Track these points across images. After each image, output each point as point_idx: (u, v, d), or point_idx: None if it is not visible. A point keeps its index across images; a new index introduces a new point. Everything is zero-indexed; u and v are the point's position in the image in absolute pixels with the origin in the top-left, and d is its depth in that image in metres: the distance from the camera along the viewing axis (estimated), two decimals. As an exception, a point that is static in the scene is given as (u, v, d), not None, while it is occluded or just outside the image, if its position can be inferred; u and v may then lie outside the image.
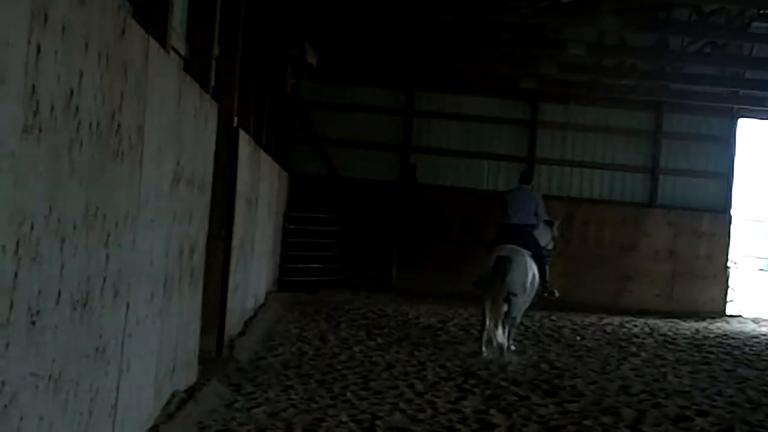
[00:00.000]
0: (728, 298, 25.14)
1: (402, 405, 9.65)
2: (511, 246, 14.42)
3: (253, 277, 15.09)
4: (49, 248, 4.40)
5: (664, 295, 24.58)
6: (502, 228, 15.28)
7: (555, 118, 24.88)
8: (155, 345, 7.28)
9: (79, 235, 4.83)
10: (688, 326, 20.87)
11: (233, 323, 12.54)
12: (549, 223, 15.95)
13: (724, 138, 25.16)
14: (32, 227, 4.13)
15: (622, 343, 16.51)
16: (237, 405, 8.96)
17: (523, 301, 14.38)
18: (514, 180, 24.06)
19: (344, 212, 23.25)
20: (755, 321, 23.42)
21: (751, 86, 23.15)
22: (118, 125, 5.50)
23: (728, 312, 24.65)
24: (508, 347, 14.10)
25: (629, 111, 24.94)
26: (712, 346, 17.14)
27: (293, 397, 9.63)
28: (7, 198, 3.81)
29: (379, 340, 14.55)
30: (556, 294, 15.59)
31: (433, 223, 23.88)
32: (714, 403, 11.06)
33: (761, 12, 17.00)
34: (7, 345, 3.94)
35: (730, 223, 25.02)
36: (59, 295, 4.58)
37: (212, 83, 10.80)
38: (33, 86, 4.01)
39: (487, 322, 13.82)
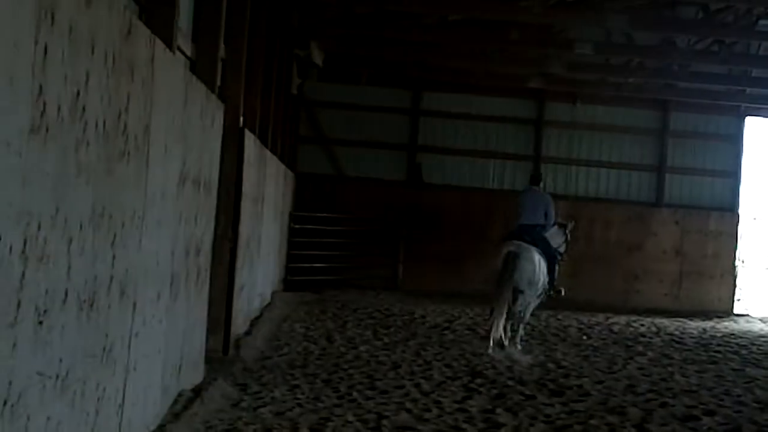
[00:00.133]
0: (736, 298, 25.09)
1: (408, 404, 9.64)
2: (519, 242, 14.58)
3: (259, 276, 15.11)
4: (56, 248, 4.41)
5: (672, 294, 24.56)
6: (513, 228, 15.44)
7: (562, 116, 24.87)
8: (162, 344, 7.30)
9: (85, 235, 4.85)
10: (695, 325, 20.84)
11: (239, 323, 12.56)
12: (562, 226, 16.07)
13: (732, 136, 25.12)
14: (39, 227, 4.15)
15: (629, 343, 16.49)
16: (243, 404, 8.97)
17: (528, 297, 14.45)
18: (521, 179, 24.29)
19: (350, 212, 23.25)
20: (763, 320, 23.37)
21: (758, 84, 23.10)
22: (125, 126, 5.51)
23: (736, 311, 24.61)
24: (515, 345, 14.24)
25: (636, 109, 24.93)
26: (719, 345, 17.11)
27: (299, 396, 9.63)
28: (14, 198, 3.82)
29: (386, 340, 14.55)
30: (563, 292, 15.61)
31: (440, 222, 23.87)
32: (721, 403, 11.04)
33: (768, 10, 16.97)
34: (15, 344, 3.96)
35: (737, 222, 24.97)
36: (66, 294, 4.60)
37: (218, 83, 10.81)
38: (40, 87, 4.03)
39: (497, 320, 13.92)
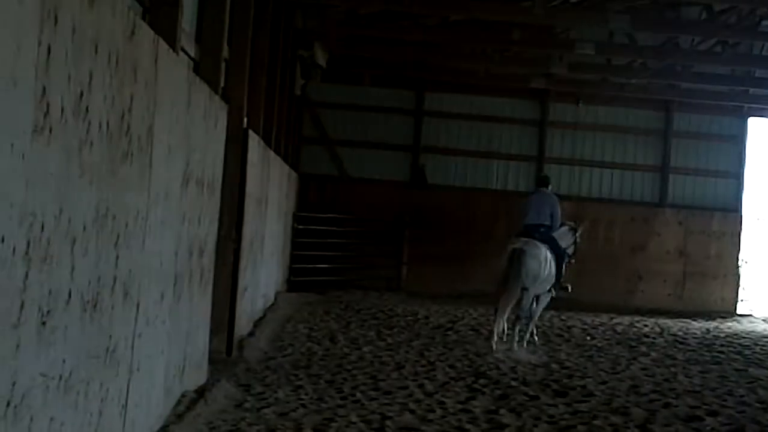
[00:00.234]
0: (739, 298, 25.08)
1: (412, 405, 9.64)
2: (526, 239, 14.80)
3: (262, 277, 15.11)
4: (60, 249, 4.41)
5: (675, 294, 24.56)
6: (519, 228, 15.64)
7: (565, 117, 24.87)
8: (165, 345, 7.30)
9: (89, 236, 4.85)
10: (698, 326, 20.83)
11: (243, 323, 12.56)
12: (572, 229, 16.25)
13: (735, 137, 25.12)
14: (43, 228, 4.15)
15: (633, 343, 16.48)
16: (247, 405, 8.97)
17: (534, 293, 14.62)
18: (524, 180, 24.37)
19: (354, 213, 23.26)
20: (766, 320, 23.37)
21: (761, 85, 23.10)
22: (128, 126, 5.52)
23: (739, 311, 24.60)
24: (522, 344, 14.40)
25: (639, 110, 24.93)
26: (722, 345, 17.09)
27: (303, 397, 9.63)
28: (17, 199, 3.82)
29: (389, 340, 14.55)
30: (569, 289, 15.79)
31: (443, 223, 23.86)
32: (724, 403, 11.03)
33: (771, 11, 16.97)
34: (18, 345, 3.96)
35: (740, 222, 24.97)
36: (70, 295, 4.61)
37: (222, 84, 10.82)
38: (43, 87, 4.03)
39: (500, 315, 14.17)
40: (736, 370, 14.02)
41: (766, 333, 20.13)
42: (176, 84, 7.02)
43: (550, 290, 15.20)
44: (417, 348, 13.91)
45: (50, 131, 4.15)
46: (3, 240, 3.69)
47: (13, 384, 3.94)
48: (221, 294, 10.85)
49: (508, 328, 14.59)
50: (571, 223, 16.37)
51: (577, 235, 16.22)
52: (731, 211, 24.97)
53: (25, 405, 4.10)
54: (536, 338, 15.35)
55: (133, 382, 6.17)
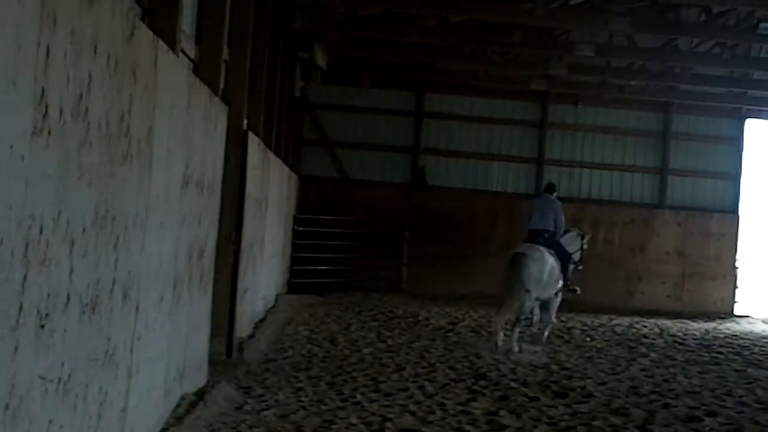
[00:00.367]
0: (737, 299, 25.11)
1: (412, 407, 9.64)
2: (528, 244, 15.14)
3: (262, 279, 15.11)
4: (58, 251, 4.41)
5: (674, 295, 24.58)
6: (524, 233, 16.06)
7: (564, 119, 24.90)
8: (164, 348, 7.29)
9: (88, 238, 4.84)
10: (697, 326, 20.84)
11: (243, 325, 12.55)
12: (580, 235, 16.51)
13: (733, 138, 25.16)
14: (41, 230, 4.14)
15: (632, 344, 16.49)
16: (247, 407, 8.96)
17: (536, 295, 14.77)
18: (524, 181, 24.43)
19: (354, 214, 23.26)
20: (765, 321, 23.36)
21: (759, 87, 23.12)
22: (128, 128, 5.51)
23: (738, 312, 24.62)
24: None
25: (638, 112, 24.97)
26: (721, 346, 17.10)
27: (303, 399, 9.63)
28: (16, 201, 3.82)
29: (389, 342, 14.55)
30: (578, 291, 16.09)
31: (443, 224, 23.87)
32: (723, 404, 11.03)
33: (770, 12, 16.96)
34: (16, 348, 3.95)
35: (739, 223, 24.99)
36: (68, 298, 4.60)
37: (222, 86, 10.82)
38: (42, 89, 4.03)
39: (500, 316, 14.42)
40: (735, 370, 14.03)
41: (764, 334, 20.13)
42: (176, 85, 7.02)
43: (557, 294, 15.41)
44: (417, 350, 13.91)
45: (49, 133, 4.14)
46: (1, 242, 3.68)
47: (12, 387, 3.94)
48: (221, 296, 10.84)
49: (508, 330, 14.61)
50: (579, 230, 16.62)
51: (585, 241, 16.43)
52: (729, 213, 25.00)
53: (24, 408, 4.09)
54: (545, 341, 15.42)
55: (132, 384, 6.16)
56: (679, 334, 18.84)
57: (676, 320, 21.93)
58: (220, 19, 10.38)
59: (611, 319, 20.78)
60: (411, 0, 17.03)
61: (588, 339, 16.79)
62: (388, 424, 8.72)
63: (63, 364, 4.60)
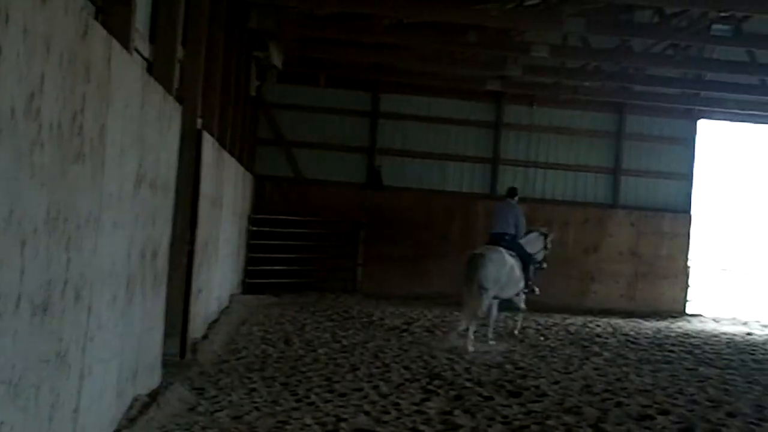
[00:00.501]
0: (689, 298, 25.39)
1: (366, 407, 9.64)
2: (487, 246, 15.73)
3: (216, 279, 15.04)
4: (9, 252, 4.36)
5: (627, 295, 24.80)
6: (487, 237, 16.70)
7: (519, 119, 25.04)
8: (117, 348, 7.23)
9: (39, 239, 4.80)
10: (650, 326, 21.05)
11: (197, 326, 12.49)
12: (543, 235, 17.07)
13: (685, 139, 25.45)
14: (-8, 231, 4.10)
15: (585, 343, 16.62)
16: (200, 409, 8.92)
17: (494, 294, 15.21)
18: (480, 181, 24.55)
19: (310, 214, 23.21)
20: (716, 320, 23.66)
21: (711, 88, 23.41)
22: (80, 127, 5.47)
23: (689, 311, 24.89)
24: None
25: (592, 112, 25.17)
26: (673, 345, 17.29)
27: (257, 400, 9.60)
28: (-34, 201, 3.77)
29: (344, 342, 14.55)
30: (536, 291, 16.61)
31: (399, 224, 23.90)
32: (675, 402, 11.15)
33: (722, 15, 17.15)
34: (-33, 349, 3.90)
35: (691, 223, 25.27)
36: (19, 299, 4.55)
37: (176, 85, 10.75)
38: (-7, 89, 3.98)
39: (466, 316, 14.84)
40: (687, 369, 14.19)
41: (715, 332, 20.38)
42: (129, 84, 6.97)
43: (519, 294, 16.10)
44: (372, 350, 13.92)
45: (0, 132, 4.10)
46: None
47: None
48: (175, 296, 10.78)
49: (467, 328, 14.88)
50: (542, 229, 16.95)
51: (548, 240, 16.78)
52: (682, 213, 25.27)
53: (-26, 410, 4.05)
54: (516, 331, 16.40)
55: (84, 386, 6.11)
56: (632, 333, 19.03)
57: (628, 319, 22.16)
58: (174, 18, 10.32)
59: (565, 319, 20.94)
60: (367, 0, 17.03)
61: (542, 338, 16.90)
62: (343, 425, 8.72)
63: (14, 366, 4.55)
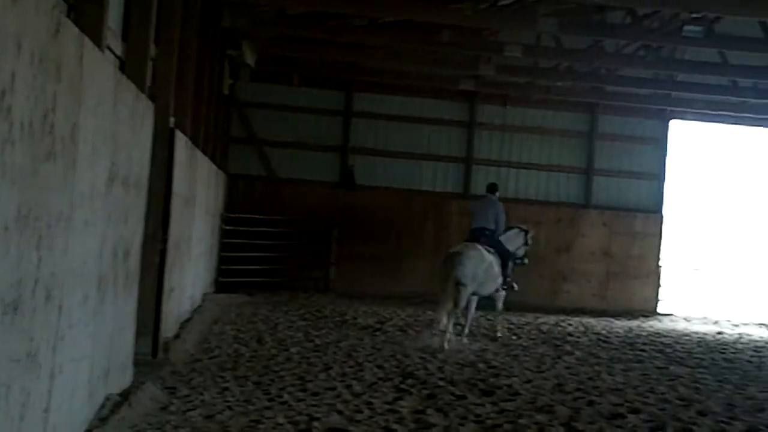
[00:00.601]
0: (661, 297, 25.54)
1: (339, 406, 9.64)
2: (465, 243, 15.85)
3: (189, 278, 14.99)
4: (-20, 251, 4.33)
5: (599, 294, 24.91)
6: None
7: (492, 119, 25.10)
8: (89, 348, 7.20)
9: (10, 238, 4.77)
10: (621, 325, 21.16)
11: (169, 325, 12.45)
12: (523, 231, 17.27)
13: (657, 139, 25.60)
14: (-38, 229, 4.07)
15: (557, 342, 16.69)
16: (172, 408, 8.89)
17: (472, 290, 15.37)
18: (453, 181, 24.60)
19: (283, 213, 23.18)
20: (687, 319, 23.83)
21: (683, 88, 23.56)
22: (52, 126, 5.44)
23: (661, 310, 25.04)
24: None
25: (565, 112, 25.27)
26: (644, 344, 17.39)
27: (229, 399, 9.58)
28: (-64, 200, 3.75)
29: (317, 341, 14.54)
30: (515, 288, 16.76)
31: (372, 223, 23.90)
32: (646, 401, 11.21)
33: (693, 16, 17.27)
34: (-64, 349, 3.88)
35: (662, 223, 25.42)
36: (-10, 298, 4.52)
37: (148, 83, 10.71)
38: (-37, 87, 3.96)
39: (441, 313, 14.88)
40: (658, 368, 14.27)
41: (686, 331, 20.52)
42: (102, 82, 6.93)
43: (498, 290, 16.26)
44: (345, 349, 13.92)
45: (-30, 131, 4.08)
46: None
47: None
48: (147, 295, 10.74)
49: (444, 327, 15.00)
50: (522, 226, 17.14)
51: (529, 236, 16.93)
52: (653, 212, 25.42)
53: (-56, 409, 4.03)
54: (498, 334, 16.42)
55: (55, 385, 6.08)
56: (604, 332, 19.12)
57: (600, 318, 22.27)
58: (147, 16, 10.28)
59: (537, 318, 21.02)
60: (341, -1, 17.05)
61: (514, 337, 16.96)
62: (316, 424, 8.72)
63: (-16, 365, 4.52)
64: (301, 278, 23.39)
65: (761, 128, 25.87)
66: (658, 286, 25.44)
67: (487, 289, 15.96)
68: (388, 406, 9.83)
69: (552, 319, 21.11)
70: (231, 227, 21.64)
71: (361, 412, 9.45)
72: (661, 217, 25.45)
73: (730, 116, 25.14)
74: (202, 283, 17.88)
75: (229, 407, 9.15)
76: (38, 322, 5.51)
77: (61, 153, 5.74)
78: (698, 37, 18.07)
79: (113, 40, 9.98)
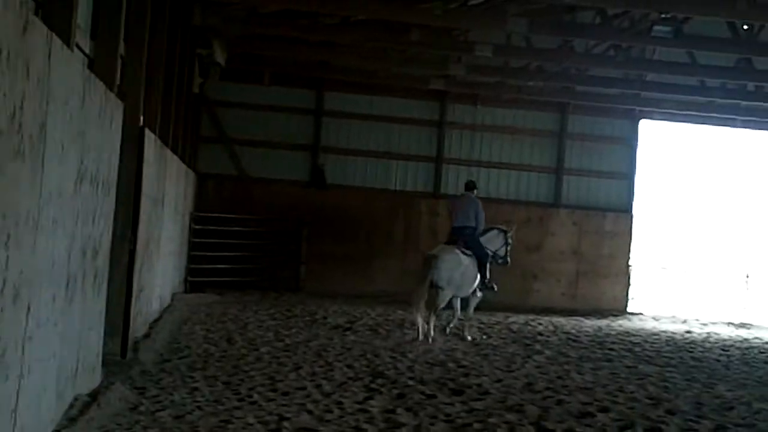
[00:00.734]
0: (630, 296, 25.67)
1: (309, 406, 9.63)
2: (443, 246, 16.23)
3: (158, 278, 14.92)
4: (-54, 250, 4.30)
5: (569, 293, 25.01)
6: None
7: (463, 118, 25.16)
8: (57, 348, 7.15)
9: (-23, 237, 4.73)
10: (591, 324, 21.27)
11: (138, 325, 12.39)
12: (503, 231, 17.36)
13: (627, 139, 25.76)
14: (-72, 229, 4.04)
15: (527, 342, 16.75)
16: (141, 408, 8.85)
17: (450, 292, 15.81)
18: (423, 180, 24.65)
19: (253, 212, 23.12)
20: (656, 318, 23.98)
21: (652, 88, 23.71)
22: (20, 124, 5.40)
23: (630, 309, 25.18)
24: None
25: (535, 112, 25.36)
26: (614, 343, 17.48)
27: (199, 399, 9.54)
28: None
29: (287, 341, 14.51)
30: (495, 289, 16.94)
31: (342, 223, 23.89)
32: (615, 399, 11.27)
33: (663, 16, 17.39)
34: None
35: (632, 222, 25.56)
36: (-44, 298, 4.48)
37: (118, 82, 10.65)
38: (-71, 85, 3.92)
39: (414, 311, 15.53)
40: (627, 367, 14.35)
41: (655, 331, 20.65)
42: (70, 81, 6.89)
43: (475, 291, 16.49)
44: (315, 348, 13.90)
45: (-64, 129, 4.04)
46: None
47: None
48: (116, 295, 10.69)
49: (426, 323, 15.60)
50: (502, 226, 17.44)
51: (509, 236, 17.01)
52: (623, 212, 25.56)
53: None
54: (468, 336, 16.33)
55: (23, 385, 6.03)
56: (573, 331, 19.21)
57: (570, 318, 22.37)
58: (116, 14, 10.24)
59: (507, 317, 21.08)
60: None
61: (484, 337, 16.99)
62: (286, 424, 8.70)
63: (-50, 366, 4.48)
64: (272, 278, 23.32)
65: (729, 128, 26.06)
66: (628, 285, 25.58)
67: (464, 292, 16.28)
68: (358, 406, 9.83)
69: (522, 318, 21.18)
70: (200, 226, 21.56)
71: (331, 411, 9.45)
72: (631, 216, 25.59)
73: (699, 116, 25.33)
74: (171, 283, 17.80)
75: (199, 407, 9.12)
76: (6, 322, 5.46)
77: (29, 152, 5.70)
78: (667, 37, 18.20)
79: (82, 38, 9.92)
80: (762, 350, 18.11)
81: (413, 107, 24.94)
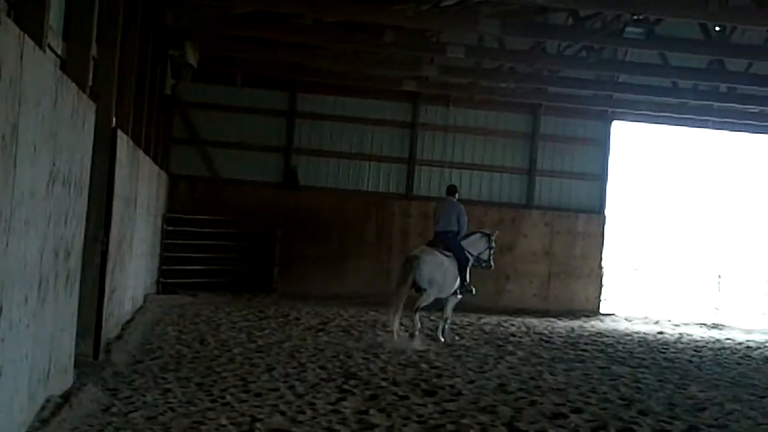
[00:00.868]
0: (603, 297, 25.79)
1: (282, 407, 9.62)
2: (424, 247, 16.42)
3: (131, 279, 14.87)
4: None
5: (541, 294, 25.09)
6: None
7: (436, 120, 25.20)
8: (29, 349, 7.12)
9: (-51, 238, 4.71)
10: (563, 325, 21.36)
11: (110, 326, 12.34)
12: (486, 235, 17.42)
13: (599, 140, 25.88)
14: None
15: (500, 342, 16.80)
16: (114, 409, 8.81)
17: (433, 294, 16.04)
18: (396, 181, 24.71)
19: (225, 214, 23.06)
20: (628, 319, 24.10)
21: (624, 90, 23.84)
22: (-9, 125, 5.37)
23: (603, 310, 25.30)
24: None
25: (508, 113, 25.44)
26: (586, 344, 17.56)
27: (171, 400, 9.52)
28: None
29: (260, 342, 14.49)
30: (473, 292, 16.97)
31: (315, 224, 23.87)
32: (588, 400, 11.32)
33: (635, 17, 17.50)
34: None
35: (604, 223, 25.68)
36: (-72, 299, 4.46)
37: (90, 83, 10.61)
38: None
39: (391, 313, 15.62)
40: (600, 367, 14.42)
41: (628, 331, 20.77)
42: (42, 82, 6.86)
43: (455, 293, 16.55)
44: (288, 349, 13.89)
45: None
46: None
47: None
48: (88, 296, 10.65)
49: (401, 323, 15.85)
50: (485, 230, 17.60)
51: (492, 240, 17.09)
52: (595, 213, 25.69)
53: None
54: (443, 338, 16.34)
55: (-5, 387, 6.01)
56: (546, 332, 19.29)
57: (542, 319, 22.46)
58: (88, 15, 10.19)
59: (480, 318, 21.14)
60: (284, -1, 17.03)
61: (457, 338, 17.03)
62: (258, 425, 8.69)
63: None
64: (245, 279, 23.26)
65: (701, 129, 26.23)
66: (600, 286, 25.70)
67: (445, 293, 16.39)
68: (330, 407, 9.83)
69: (495, 319, 21.26)
70: (173, 228, 21.48)
71: (303, 413, 9.44)
72: (603, 217, 25.73)
73: (671, 117, 25.47)
74: (143, 284, 17.74)
75: (172, 408, 9.09)
76: (-23, 324, 5.44)
77: (1, 153, 5.67)
78: (640, 38, 18.33)
79: (54, 39, 9.87)
80: (734, 351, 18.25)
81: (386, 108, 24.96)
